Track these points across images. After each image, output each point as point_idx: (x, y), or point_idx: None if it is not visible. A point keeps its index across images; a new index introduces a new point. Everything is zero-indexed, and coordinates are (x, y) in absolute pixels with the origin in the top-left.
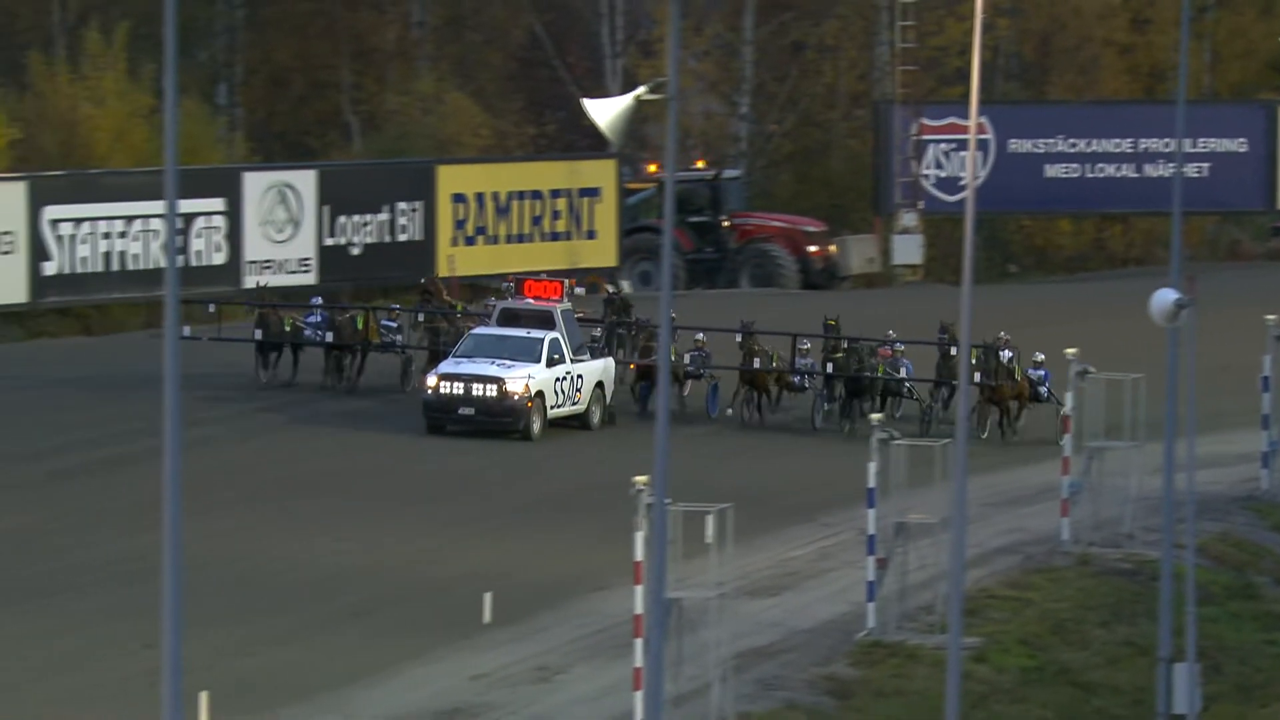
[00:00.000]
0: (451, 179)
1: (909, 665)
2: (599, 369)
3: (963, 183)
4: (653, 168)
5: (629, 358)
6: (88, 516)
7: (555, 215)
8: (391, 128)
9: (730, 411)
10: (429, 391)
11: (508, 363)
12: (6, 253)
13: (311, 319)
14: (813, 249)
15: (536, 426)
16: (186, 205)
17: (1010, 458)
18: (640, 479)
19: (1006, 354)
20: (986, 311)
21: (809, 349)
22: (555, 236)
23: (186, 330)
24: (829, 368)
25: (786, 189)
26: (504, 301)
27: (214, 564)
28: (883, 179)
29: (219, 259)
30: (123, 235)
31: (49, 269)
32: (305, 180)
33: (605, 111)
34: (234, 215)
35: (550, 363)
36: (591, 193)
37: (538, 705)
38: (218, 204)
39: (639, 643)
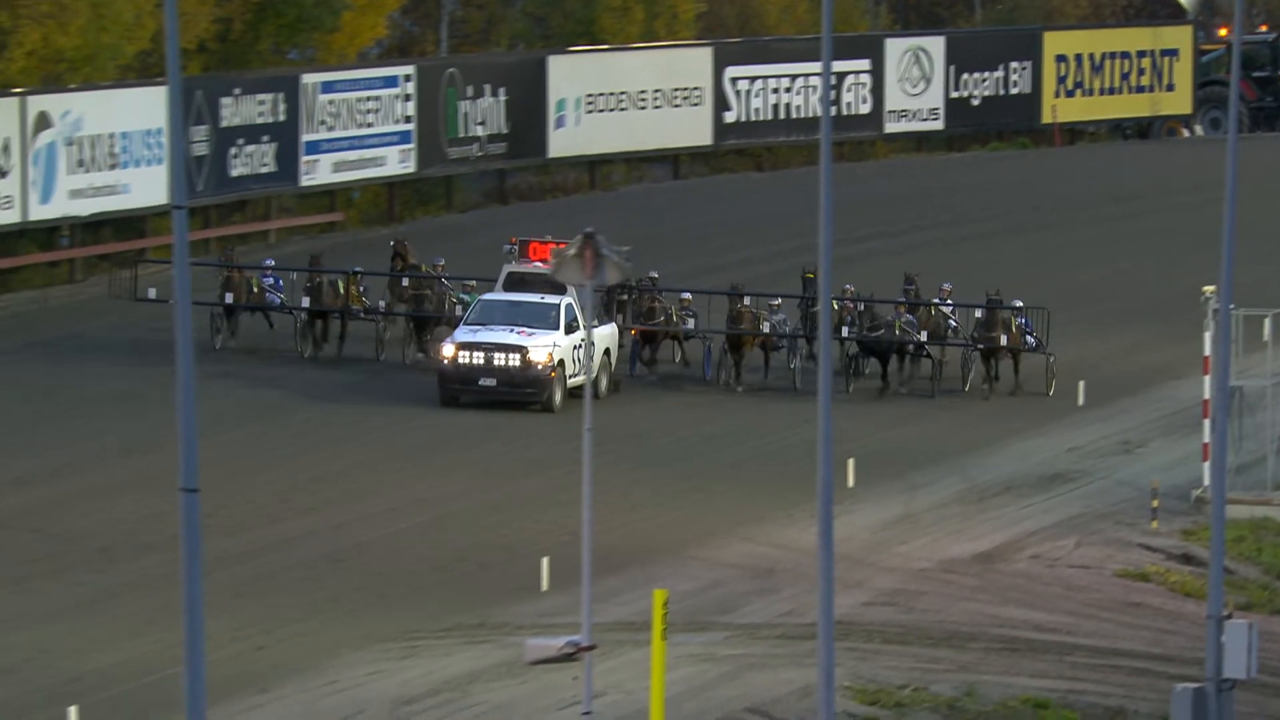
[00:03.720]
0: (1055, 42)
1: None
2: (606, 335)
3: None
4: (1223, 31)
5: (629, 322)
6: None
7: (1140, 72)
8: (1007, 0)
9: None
10: (445, 362)
11: (526, 330)
12: (695, 105)
13: (267, 280)
14: None
15: (558, 397)
16: (839, 65)
17: None
18: (1208, 288)
19: (949, 305)
20: None
21: (780, 304)
22: (1139, 89)
23: (152, 293)
24: (845, 330)
25: None
26: (509, 265)
27: None
28: None
29: (864, 109)
30: (788, 90)
31: (729, 117)
32: (935, 44)
33: None
34: (877, 73)
35: (567, 329)
36: (1171, 53)
37: (1122, 472)
38: (864, 64)
39: (1206, 422)
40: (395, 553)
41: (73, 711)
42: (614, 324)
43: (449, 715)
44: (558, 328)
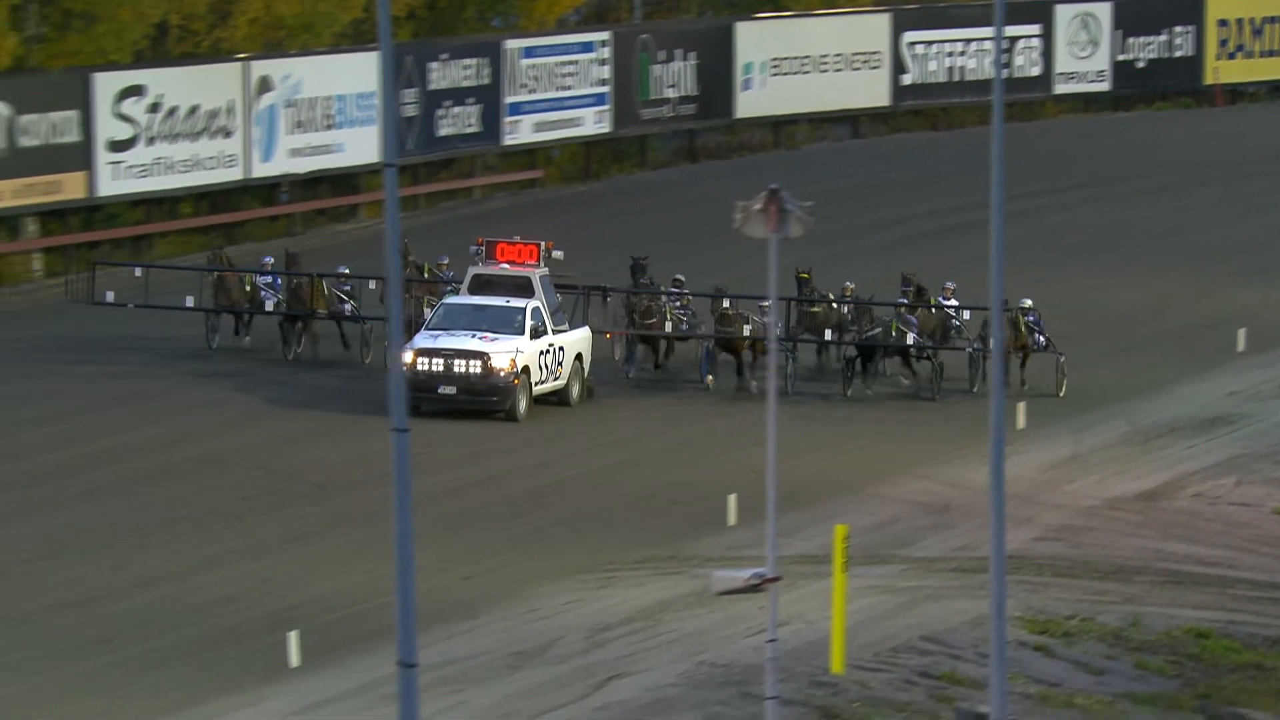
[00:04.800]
0: (1218, 7)
1: None
2: (578, 340)
3: None
4: None
5: (608, 325)
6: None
7: None
8: None
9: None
10: (404, 368)
11: (489, 335)
12: (875, 68)
13: (265, 279)
14: None
15: (523, 406)
16: (1011, 30)
17: None
18: None
19: (953, 304)
20: None
21: (767, 306)
22: None
23: (110, 296)
24: (828, 332)
25: None
26: (475, 267)
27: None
28: None
29: (1034, 71)
30: (962, 53)
31: (906, 80)
32: (1102, 9)
33: None
34: (1047, 37)
35: (534, 334)
36: None
37: None
38: (1034, 29)
39: None
40: (590, 490)
41: (293, 636)
42: (587, 328)
43: (642, 642)
44: (523, 333)
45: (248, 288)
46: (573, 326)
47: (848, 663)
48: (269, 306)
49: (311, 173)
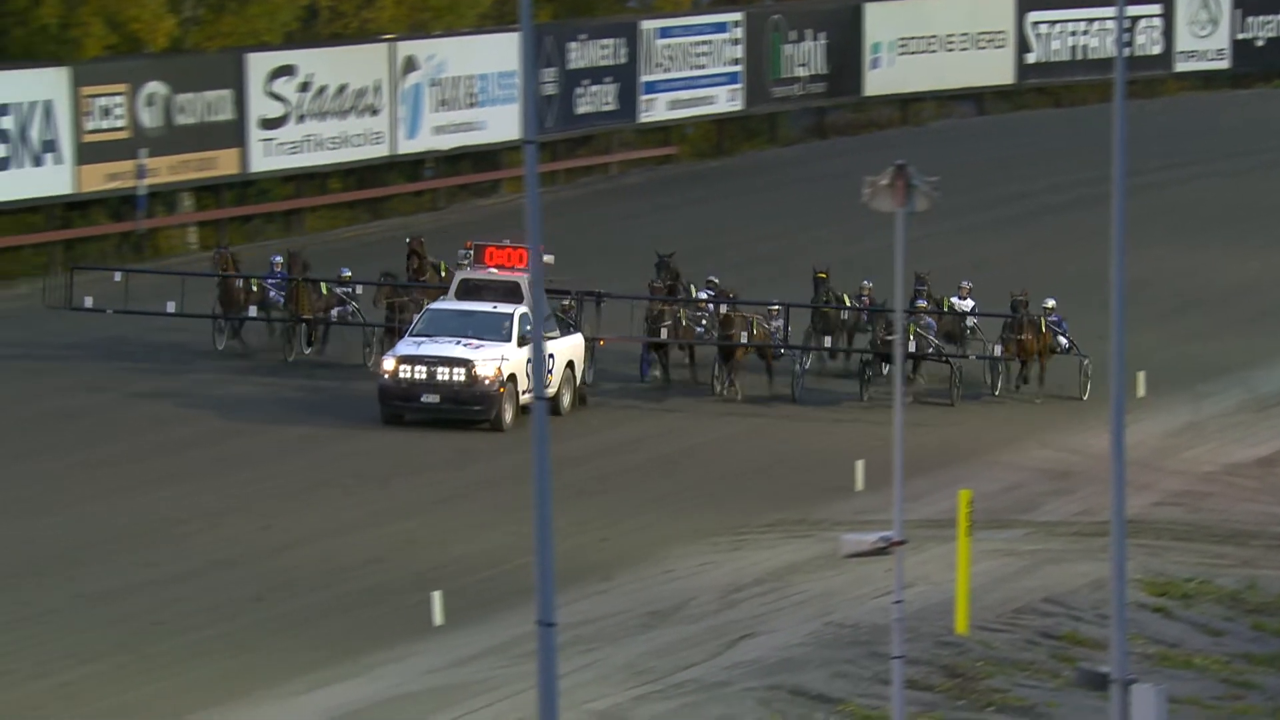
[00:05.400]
0: None
1: None
2: (570, 347)
3: None
4: None
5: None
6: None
7: None
8: None
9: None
10: (386, 376)
11: (474, 342)
12: (999, 46)
13: (272, 280)
14: None
15: (509, 415)
16: (1133, 9)
17: None
18: None
19: (969, 303)
20: None
21: (777, 310)
22: None
23: (88, 301)
24: (827, 339)
25: None
26: (463, 271)
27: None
28: None
29: (1155, 50)
30: (1085, 32)
31: (1030, 58)
32: None
33: None
34: (1168, 17)
35: (521, 341)
36: None
37: None
38: (1156, 8)
39: None
40: (722, 456)
41: (437, 595)
42: (580, 334)
43: (773, 603)
44: (509, 339)
45: (255, 288)
46: (564, 332)
47: (971, 623)
48: (252, 311)
49: (455, 149)
